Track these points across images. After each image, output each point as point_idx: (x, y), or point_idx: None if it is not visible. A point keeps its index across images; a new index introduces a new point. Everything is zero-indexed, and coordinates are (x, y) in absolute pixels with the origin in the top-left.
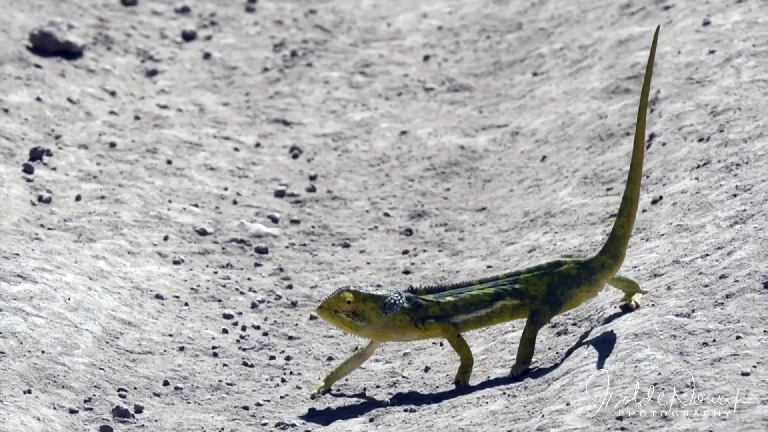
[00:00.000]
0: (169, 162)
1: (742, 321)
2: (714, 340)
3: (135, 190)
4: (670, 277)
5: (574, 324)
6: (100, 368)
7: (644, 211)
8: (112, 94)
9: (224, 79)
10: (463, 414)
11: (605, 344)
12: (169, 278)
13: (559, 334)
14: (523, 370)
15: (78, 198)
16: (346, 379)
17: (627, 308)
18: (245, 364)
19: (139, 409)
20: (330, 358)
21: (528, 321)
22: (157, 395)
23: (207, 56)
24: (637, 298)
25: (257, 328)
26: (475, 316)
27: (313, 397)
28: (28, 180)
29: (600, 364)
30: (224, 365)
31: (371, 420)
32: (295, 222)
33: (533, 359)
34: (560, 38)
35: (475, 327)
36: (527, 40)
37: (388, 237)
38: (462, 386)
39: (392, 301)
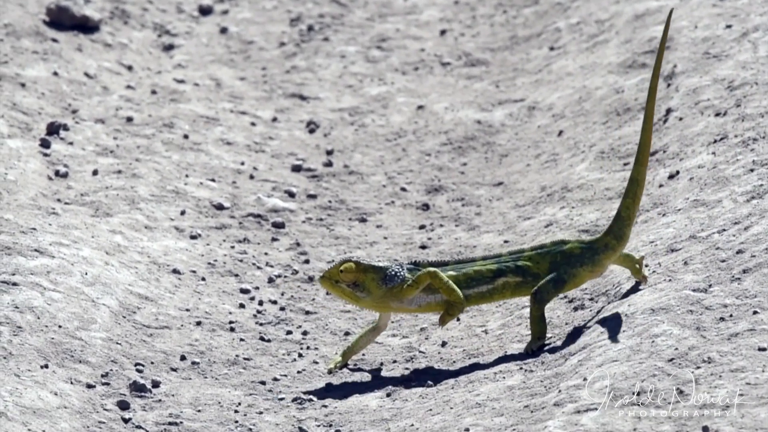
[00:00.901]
0: (185, 136)
1: (759, 296)
2: (731, 315)
3: (152, 165)
4: (687, 252)
5: (591, 299)
6: (117, 343)
7: (661, 186)
8: (129, 68)
9: (241, 54)
10: (480, 389)
11: (622, 319)
12: (186, 253)
13: (576, 309)
14: (538, 346)
15: (95, 172)
16: (363, 354)
17: (639, 284)
18: (262, 338)
19: (156, 384)
20: (347, 333)
21: (532, 300)
22: (174, 370)
23: (224, 30)
24: (643, 270)
25: (274, 302)
26: (476, 291)
27: (330, 371)
28: (45, 154)
29: (617, 339)
30: (241, 340)
31: (388, 395)
32: (312, 197)
33: (549, 334)
34: (577, 12)
35: (477, 302)
36: (544, 14)
37: (404, 212)
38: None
39: (393, 272)
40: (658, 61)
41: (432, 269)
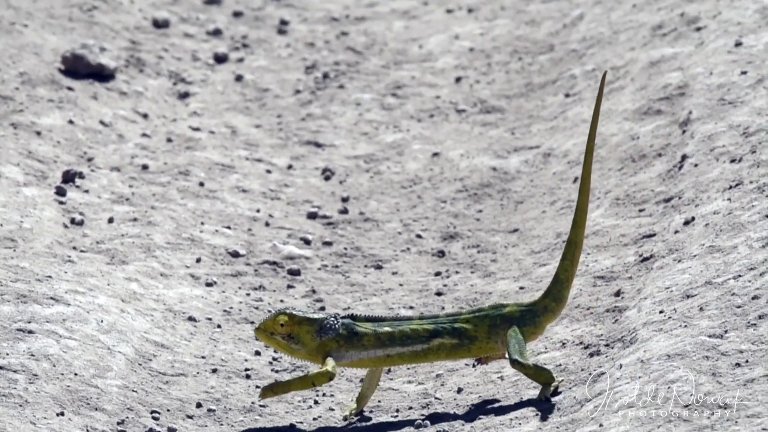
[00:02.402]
0: (201, 184)
1: None
2: (747, 361)
3: (167, 213)
4: (703, 298)
5: (607, 345)
6: (133, 390)
7: (676, 232)
8: (145, 116)
9: (256, 101)
10: None
11: (638, 365)
12: (201, 300)
13: (591, 355)
14: (550, 392)
15: (110, 220)
16: (379, 401)
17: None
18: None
19: (172, 431)
20: (362, 380)
21: (515, 366)
22: (190, 417)
23: (239, 78)
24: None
25: None
26: (410, 350)
27: (345, 419)
28: (61, 202)
29: (633, 385)
30: (257, 387)
31: None
32: (328, 244)
33: (564, 380)
34: (592, 59)
35: (410, 362)
36: (559, 61)
37: (420, 258)
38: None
39: (328, 325)
40: (593, 127)
41: (328, 370)
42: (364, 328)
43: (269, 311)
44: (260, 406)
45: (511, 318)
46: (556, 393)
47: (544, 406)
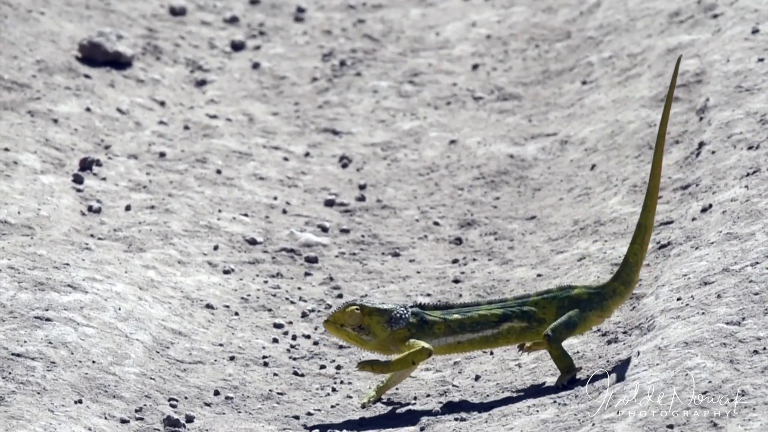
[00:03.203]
0: (218, 172)
1: None
2: (764, 348)
3: (185, 200)
4: (720, 285)
5: (624, 332)
6: (151, 378)
7: (694, 219)
8: (162, 104)
9: (273, 89)
10: (514, 423)
11: (655, 352)
12: (219, 288)
13: (609, 342)
14: (568, 379)
15: (128, 208)
16: (397, 389)
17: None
18: (296, 373)
19: (190, 419)
20: None
21: (546, 343)
22: (208, 405)
23: (256, 66)
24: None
25: (307, 337)
26: (481, 335)
27: (363, 406)
28: (78, 190)
29: (650, 373)
30: (275, 375)
31: (422, 429)
32: (345, 231)
33: (582, 367)
34: (609, 47)
35: (480, 347)
36: (576, 48)
37: (437, 246)
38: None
39: (398, 315)
40: (667, 106)
41: (424, 348)
42: (433, 316)
43: (289, 300)
44: (278, 393)
45: (579, 300)
46: (572, 380)
47: (561, 393)
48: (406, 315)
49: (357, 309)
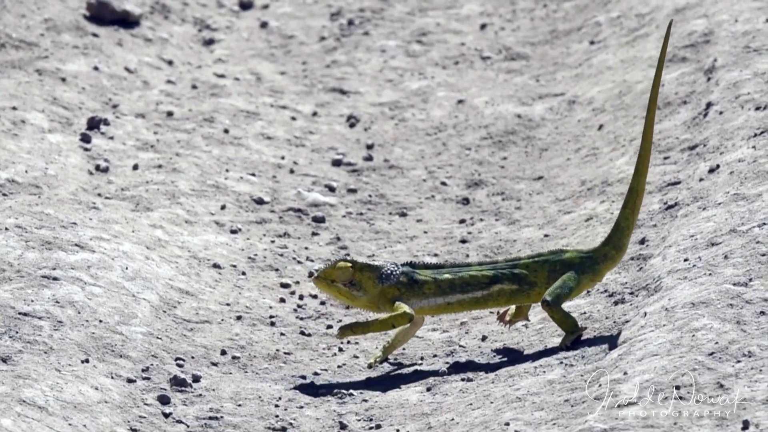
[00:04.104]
0: (226, 131)
1: None
2: None
3: (192, 159)
4: (727, 246)
5: (631, 293)
6: (158, 337)
7: (701, 180)
8: (169, 63)
9: (281, 48)
10: (521, 383)
11: (662, 313)
12: (226, 247)
13: (616, 303)
14: (572, 340)
15: (135, 167)
16: (404, 349)
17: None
18: (302, 333)
19: (196, 379)
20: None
21: (545, 307)
22: (215, 364)
23: (264, 25)
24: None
25: (314, 297)
26: (471, 296)
27: (370, 366)
28: (86, 149)
29: (657, 334)
30: (281, 334)
31: (428, 389)
32: (352, 191)
33: (586, 327)
34: (617, 6)
35: (470, 308)
36: (584, 8)
37: (445, 206)
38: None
39: (389, 271)
40: (659, 70)
41: (406, 312)
42: (424, 275)
43: (296, 260)
44: (285, 353)
45: (571, 264)
46: (578, 341)
47: (568, 354)
48: (397, 272)
49: (348, 264)
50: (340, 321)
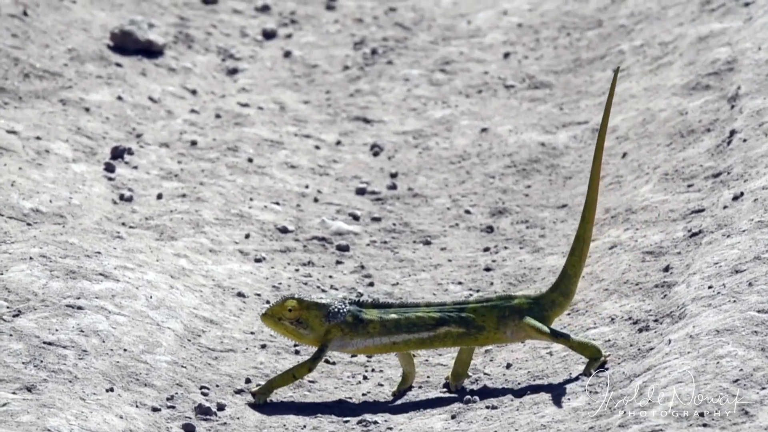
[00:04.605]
0: (250, 160)
1: None
2: None
3: (216, 189)
4: (752, 273)
5: (656, 320)
6: (182, 366)
7: (725, 207)
8: (193, 92)
9: (305, 77)
10: (545, 411)
11: (687, 340)
12: (250, 276)
13: (640, 330)
14: (596, 366)
15: (159, 196)
16: (428, 376)
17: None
18: (327, 361)
19: (221, 407)
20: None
21: (556, 341)
22: (240, 393)
23: (287, 54)
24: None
25: None
26: (417, 337)
27: (394, 394)
28: (110, 179)
29: (682, 361)
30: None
31: (453, 417)
32: (376, 219)
33: (609, 353)
34: (640, 35)
35: (417, 348)
36: (607, 36)
37: (469, 234)
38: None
39: (336, 309)
40: (605, 118)
41: (316, 356)
42: (370, 315)
43: (320, 288)
44: (309, 381)
45: (520, 310)
46: (602, 368)
47: (592, 381)
48: (344, 311)
49: (296, 302)
50: None
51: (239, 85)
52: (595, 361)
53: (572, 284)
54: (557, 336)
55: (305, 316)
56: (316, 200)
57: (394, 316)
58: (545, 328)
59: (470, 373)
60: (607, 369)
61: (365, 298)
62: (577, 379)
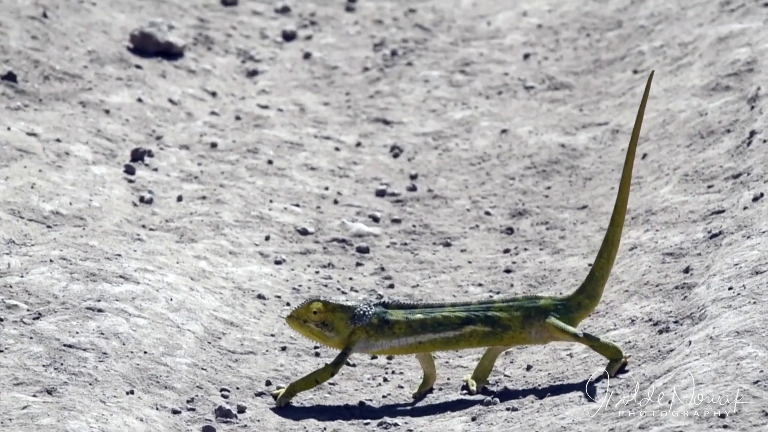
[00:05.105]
0: (270, 162)
1: None
2: None
3: (236, 191)
4: None
5: (676, 322)
6: (203, 368)
7: (745, 208)
8: (213, 94)
9: (324, 79)
10: (566, 412)
11: (707, 342)
12: (270, 278)
13: (660, 332)
14: (617, 368)
15: (179, 198)
16: (448, 378)
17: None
18: (347, 363)
19: (241, 410)
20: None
21: (581, 341)
22: (260, 395)
23: (307, 56)
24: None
25: None
26: (442, 336)
27: (414, 396)
28: (130, 181)
29: (702, 362)
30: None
31: (473, 419)
32: (396, 221)
33: (630, 354)
34: (660, 36)
35: (442, 348)
36: (627, 37)
37: (489, 236)
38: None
39: (361, 312)
40: (638, 123)
41: (339, 359)
42: (396, 315)
43: (340, 290)
44: (329, 383)
45: (546, 311)
46: (623, 370)
47: (613, 382)
48: (369, 313)
49: (321, 305)
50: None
51: (259, 87)
52: (616, 362)
53: (599, 287)
54: (580, 336)
55: (331, 318)
56: (336, 202)
57: (420, 315)
58: (569, 328)
59: (490, 377)
60: (627, 371)
61: (387, 299)
62: (597, 380)
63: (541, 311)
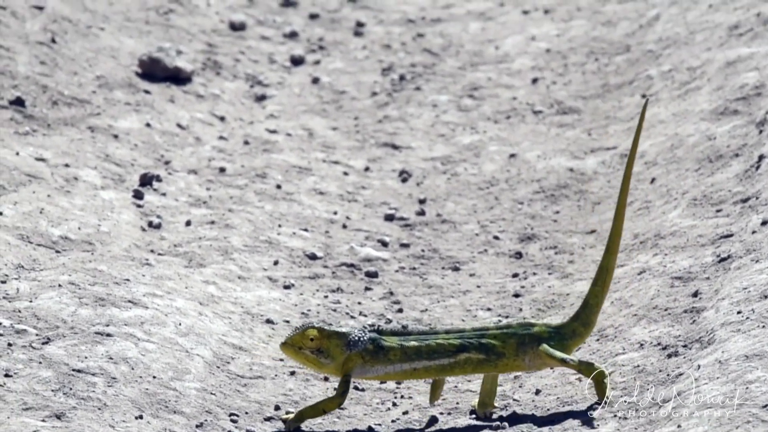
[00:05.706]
0: (278, 186)
1: None
2: None
3: (245, 215)
4: None
5: (685, 346)
6: (212, 393)
7: (754, 232)
8: (221, 119)
9: (333, 104)
10: None
11: (716, 366)
12: (279, 303)
13: (669, 356)
14: (606, 387)
15: (188, 223)
16: (457, 403)
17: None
18: (356, 388)
19: None
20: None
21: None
22: (269, 420)
23: (315, 81)
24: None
25: None
26: (437, 363)
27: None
28: (138, 205)
29: (711, 386)
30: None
31: None
32: (405, 246)
33: (613, 371)
34: (668, 60)
35: (437, 375)
36: (635, 62)
37: (497, 260)
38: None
39: (356, 338)
40: (633, 150)
41: (345, 379)
42: (390, 342)
43: (349, 315)
44: (339, 408)
45: (539, 338)
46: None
47: (622, 407)
48: (364, 339)
49: (316, 332)
50: None
51: (267, 112)
52: (603, 382)
53: (593, 314)
54: (567, 361)
55: (326, 345)
56: (344, 226)
57: (414, 343)
58: (557, 353)
59: (497, 401)
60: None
61: (383, 326)
62: (606, 405)
63: (535, 338)
